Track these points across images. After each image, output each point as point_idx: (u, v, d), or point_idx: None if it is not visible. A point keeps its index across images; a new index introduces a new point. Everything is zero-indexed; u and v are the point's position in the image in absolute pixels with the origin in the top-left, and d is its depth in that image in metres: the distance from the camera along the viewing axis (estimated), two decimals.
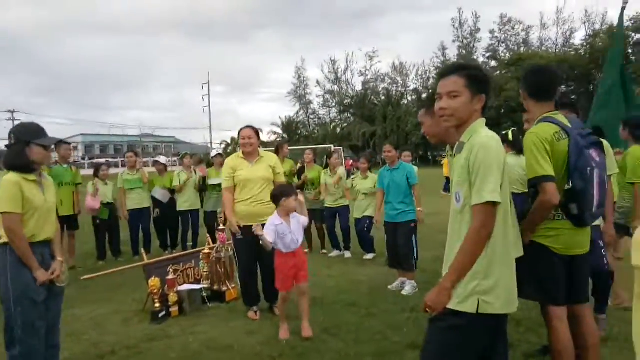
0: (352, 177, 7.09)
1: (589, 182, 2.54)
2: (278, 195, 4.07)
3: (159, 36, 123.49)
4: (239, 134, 4.75)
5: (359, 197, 7.04)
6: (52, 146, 3.33)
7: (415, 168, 5.94)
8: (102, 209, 7.17)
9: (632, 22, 41.56)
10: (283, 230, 3.99)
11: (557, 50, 50.47)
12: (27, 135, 2.97)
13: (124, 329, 4.46)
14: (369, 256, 7.05)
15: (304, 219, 4.21)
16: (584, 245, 2.69)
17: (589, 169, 2.53)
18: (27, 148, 2.93)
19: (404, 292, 5.21)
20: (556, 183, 2.49)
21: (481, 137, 2.02)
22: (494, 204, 1.92)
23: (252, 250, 4.53)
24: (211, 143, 53.52)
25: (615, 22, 41.63)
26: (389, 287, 5.45)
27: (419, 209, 5.39)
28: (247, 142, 4.62)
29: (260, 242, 3.92)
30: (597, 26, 48.55)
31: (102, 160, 22.58)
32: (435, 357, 2.06)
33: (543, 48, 51.62)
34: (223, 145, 54.66)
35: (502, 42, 54.12)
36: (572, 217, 2.59)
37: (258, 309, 4.68)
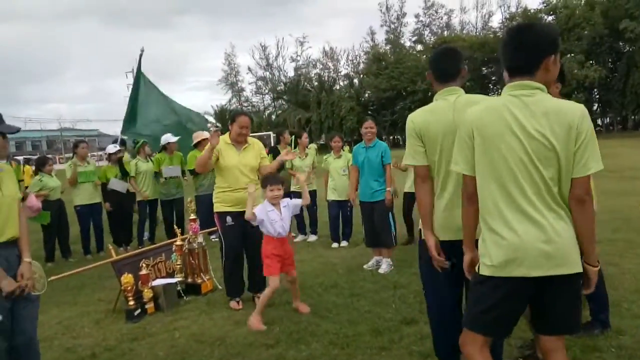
0: (326, 156, 7.02)
1: None
2: (264, 184, 4.11)
3: (75, 23, 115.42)
4: (233, 119, 4.51)
5: (334, 177, 6.83)
6: None
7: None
8: (42, 213, 6.41)
9: (544, 4, 44.48)
10: (273, 217, 4.01)
11: (477, 34, 52.84)
12: None
13: (98, 330, 4.18)
14: (345, 243, 6.85)
15: (298, 203, 4.26)
16: None
17: None
18: None
19: (380, 271, 5.28)
20: None
21: None
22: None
23: (240, 239, 4.43)
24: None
25: (531, 6, 44.15)
26: (365, 266, 5.51)
27: (388, 189, 5.44)
28: (244, 133, 4.48)
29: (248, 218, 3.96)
30: (513, 9, 51.29)
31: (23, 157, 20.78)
32: (465, 314, 2.18)
33: (464, 31, 53.89)
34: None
35: (427, 26, 55.87)
36: None
37: (240, 299, 4.56)
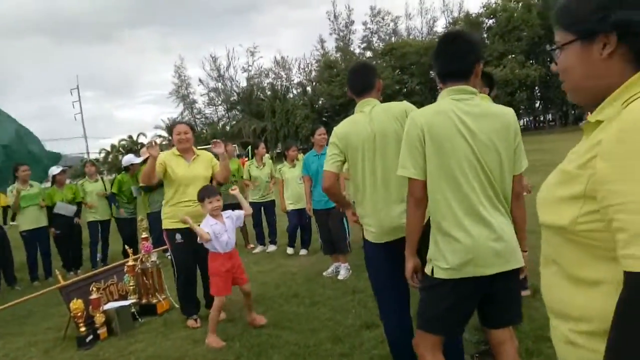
0: (279, 166, 6.97)
1: None
2: (202, 198, 3.96)
3: (15, 39, 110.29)
4: (170, 130, 4.42)
5: (290, 187, 6.76)
6: None
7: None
8: None
9: (484, 8, 46.32)
10: (218, 230, 3.88)
11: (423, 38, 54.34)
12: None
13: None
14: (304, 252, 6.80)
15: (240, 215, 4.15)
16: None
17: None
18: None
19: (340, 277, 5.29)
20: None
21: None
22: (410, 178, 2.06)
23: (192, 256, 4.31)
24: (88, 153, 49.40)
25: (472, 10, 46.00)
26: (324, 273, 5.50)
27: (343, 192, 5.45)
28: (184, 138, 4.32)
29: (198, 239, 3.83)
30: (456, 14, 53.18)
31: None
32: (418, 316, 2.19)
33: (411, 37, 55.30)
34: (103, 154, 50.82)
35: (375, 33, 56.95)
36: None
37: (198, 317, 4.44)
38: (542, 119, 52.92)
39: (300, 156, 7.51)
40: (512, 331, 2.20)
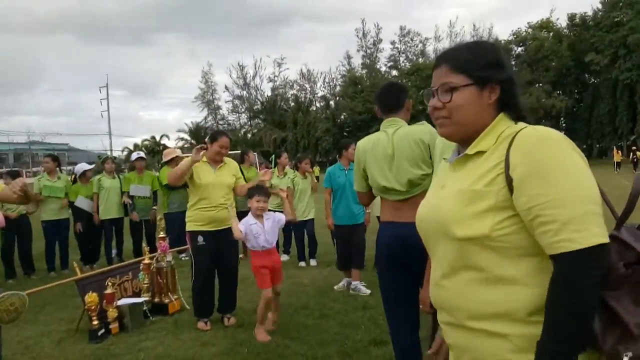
0: (292, 177, 7.06)
1: None
2: (251, 195, 4.14)
3: (48, 37, 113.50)
4: (214, 138, 4.48)
5: (301, 197, 6.95)
6: None
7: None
8: None
9: (514, 36, 46.18)
10: (257, 230, 4.01)
11: None
12: None
13: (59, 351, 4.03)
14: (313, 262, 6.96)
15: (282, 218, 4.30)
16: None
17: None
18: None
19: (361, 293, 5.25)
20: None
21: None
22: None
23: (212, 259, 4.38)
24: (111, 150, 50.36)
25: (501, 37, 46.08)
26: (335, 287, 5.50)
27: (367, 210, 5.56)
28: (224, 152, 4.50)
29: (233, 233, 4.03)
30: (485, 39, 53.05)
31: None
32: None
33: None
34: (125, 152, 51.64)
35: (402, 53, 57.05)
36: None
37: (208, 320, 4.47)
38: None
39: (317, 168, 7.64)
40: None
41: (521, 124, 1.21)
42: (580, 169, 1.09)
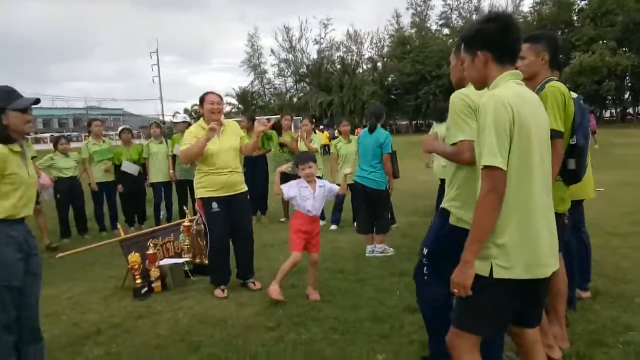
0: (334, 142, 6.96)
1: (588, 139, 2.79)
2: (296, 164, 4.18)
3: (101, 3, 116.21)
4: (201, 100, 4.34)
5: (345, 162, 6.75)
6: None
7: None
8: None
9: None
10: (306, 193, 4.03)
11: None
12: None
13: (105, 307, 4.24)
14: (334, 227, 7.02)
15: (333, 187, 4.28)
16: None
17: (589, 127, 2.79)
18: (2, 115, 2.60)
19: (389, 254, 5.27)
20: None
21: (487, 95, 1.89)
22: (495, 168, 1.76)
23: (226, 224, 4.33)
24: (163, 115, 51.85)
25: None
26: (366, 254, 5.43)
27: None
28: (217, 108, 4.30)
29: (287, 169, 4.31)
30: None
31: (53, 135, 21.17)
32: (461, 316, 2.02)
33: None
34: (176, 117, 53.04)
35: (455, 10, 54.61)
36: (568, 173, 2.74)
37: (226, 287, 4.43)
38: (630, 111, 48.96)
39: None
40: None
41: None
42: None
